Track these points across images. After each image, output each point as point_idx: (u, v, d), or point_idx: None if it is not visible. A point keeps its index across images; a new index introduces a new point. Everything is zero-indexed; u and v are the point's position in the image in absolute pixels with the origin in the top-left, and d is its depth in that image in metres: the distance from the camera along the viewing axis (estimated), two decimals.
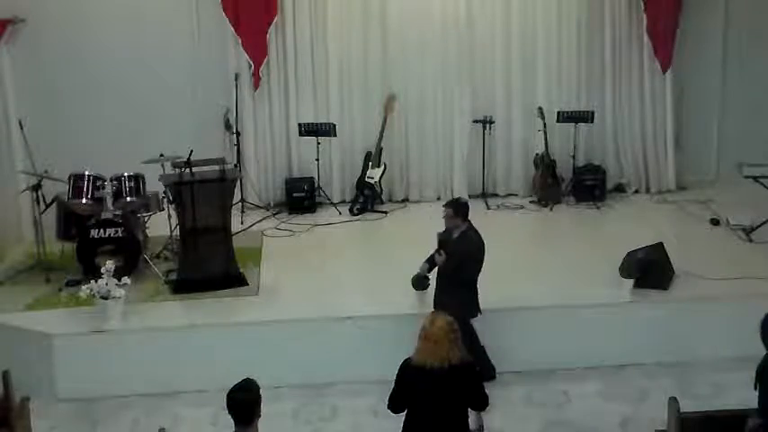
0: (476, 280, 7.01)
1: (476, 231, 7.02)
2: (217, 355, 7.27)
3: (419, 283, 7.56)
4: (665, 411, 5.20)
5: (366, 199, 10.38)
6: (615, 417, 6.81)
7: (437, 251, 7.05)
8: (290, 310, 7.61)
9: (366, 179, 10.37)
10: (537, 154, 10.53)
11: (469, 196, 10.71)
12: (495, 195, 10.78)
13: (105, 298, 7.37)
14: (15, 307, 7.82)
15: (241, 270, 8.22)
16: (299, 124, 10.34)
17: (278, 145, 10.59)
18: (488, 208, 10.42)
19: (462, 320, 6.75)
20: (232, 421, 6.87)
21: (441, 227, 9.80)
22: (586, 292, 7.77)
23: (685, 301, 7.65)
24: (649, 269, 7.74)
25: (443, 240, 7.05)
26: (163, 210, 8.84)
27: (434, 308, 6.95)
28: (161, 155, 8.62)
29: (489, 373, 7.13)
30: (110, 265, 7.47)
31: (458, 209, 7.01)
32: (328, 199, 10.52)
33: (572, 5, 10.42)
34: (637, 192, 10.86)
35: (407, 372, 5.07)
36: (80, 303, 7.53)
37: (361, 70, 10.43)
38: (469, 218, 7.03)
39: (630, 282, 7.64)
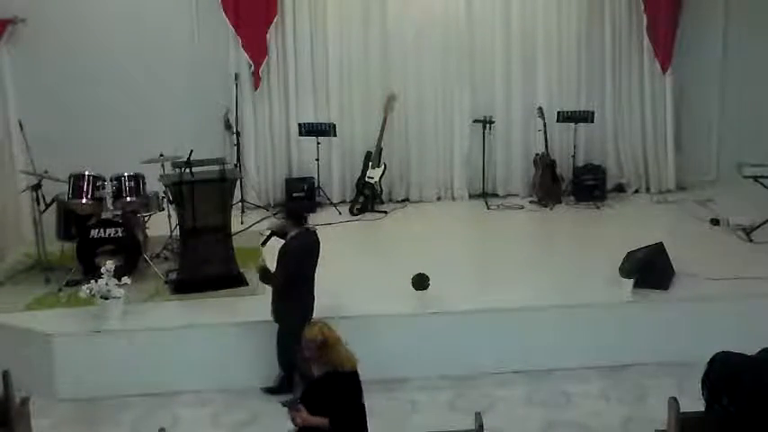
0: (298, 284, 6.85)
1: (304, 237, 6.86)
2: (217, 355, 7.27)
3: (419, 282, 7.56)
4: (666, 411, 5.19)
5: (366, 199, 10.39)
6: (615, 417, 6.81)
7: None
8: None
9: (366, 179, 10.37)
10: (537, 154, 10.54)
11: (470, 196, 10.77)
12: (495, 195, 10.79)
13: (105, 298, 7.36)
14: (15, 307, 7.82)
15: (241, 270, 8.22)
16: (299, 124, 10.35)
17: (278, 145, 10.59)
18: (488, 208, 10.42)
19: (292, 330, 6.58)
20: (232, 421, 6.92)
21: (440, 227, 9.89)
22: (586, 292, 7.76)
23: (685, 301, 7.65)
24: (649, 269, 7.73)
25: (274, 232, 7.10)
26: (163, 210, 8.84)
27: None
28: (161, 155, 8.63)
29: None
30: (110, 264, 7.46)
31: (288, 213, 6.96)
32: (328, 199, 10.52)
33: (572, 6, 10.44)
34: (637, 192, 10.87)
35: (352, 381, 5.08)
36: (80, 303, 7.52)
37: (361, 70, 10.44)
38: (307, 224, 7.00)
39: (630, 282, 7.64)
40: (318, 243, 7.01)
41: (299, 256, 6.82)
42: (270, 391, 7.11)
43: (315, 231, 7.07)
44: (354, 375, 5.10)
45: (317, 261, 7.00)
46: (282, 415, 6.91)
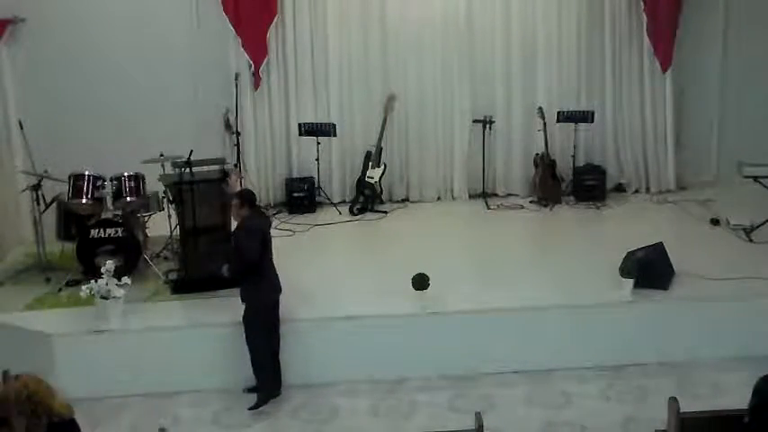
0: (258, 263, 6.88)
1: (258, 216, 7.07)
2: (217, 355, 7.27)
3: (419, 282, 7.57)
4: (666, 411, 5.20)
5: (366, 199, 10.39)
6: (615, 417, 6.81)
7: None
8: (290, 310, 7.59)
9: (366, 179, 10.37)
10: (537, 154, 10.54)
11: (470, 196, 10.76)
12: (495, 195, 10.79)
13: (105, 298, 7.36)
14: (15, 307, 7.83)
15: None
16: (299, 124, 10.35)
17: (278, 145, 10.59)
18: (488, 208, 10.42)
19: (255, 310, 6.90)
20: (232, 421, 6.93)
21: (440, 227, 9.89)
22: (586, 292, 7.76)
23: (685, 300, 7.65)
24: (649, 269, 7.74)
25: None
26: (163, 210, 8.84)
27: None
28: (161, 155, 8.63)
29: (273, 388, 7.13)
30: (110, 264, 7.46)
31: (240, 196, 7.05)
32: (328, 199, 10.52)
33: (572, 5, 10.43)
34: (637, 192, 10.86)
35: (76, 429, 4.66)
36: (80, 303, 7.52)
37: (361, 70, 10.44)
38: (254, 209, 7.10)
39: (630, 282, 7.64)
40: (270, 222, 7.28)
41: (256, 229, 6.89)
42: (253, 390, 7.13)
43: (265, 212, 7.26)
44: (75, 423, 4.68)
45: (271, 239, 7.09)
46: (284, 415, 6.97)
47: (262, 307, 6.96)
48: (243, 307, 7.00)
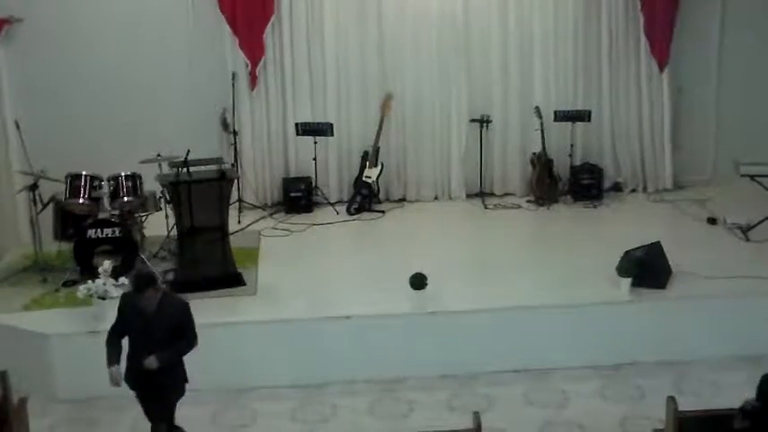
0: None
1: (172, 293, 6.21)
2: (215, 354, 7.25)
3: (417, 282, 7.57)
4: (663, 410, 5.21)
5: (363, 198, 10.38)
6: (613, 416, 6.83)
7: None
8: (288, 310, 7.61)
9: (363, 179, 10.36)
10: (534, 153, 10.54)
11: (467, 195, 10.75)
12: (493, 195, 10.78)
13: (103, 298, 7.35)
14: (13, 307, 7.81)
15: (238, 270, 8.21)
16: (297, 124, 10.34)
17: (275, 144, 10.58)
18: (485, 207, 10.42)
19: (180, 394, 6.02)
20: (231, 421, 6.91)
21: (437, 226, 9.89)
22: (584, 292, 7.77)
23: (683, 299, 7.67)
24: (647, 268, 7.75)
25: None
26: (160, 209, 8.84)
27: (148, 395, 5.95)
28: (158, 154, 8.63)
29: None
30: (107, 264, 7.46)
31: (154, 283, 5.75)
32: (326, 198, 10.51)
33: (569, 5, 10.42)
34: (634, 191, 10.87)
35: None
36: (77, 303, 7.52)
37: (358, 69, 10.42)
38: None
39: (628, 281, 7.65)
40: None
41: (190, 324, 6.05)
42: None
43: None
44: None
45: None
46: (283, 415, 6.97)
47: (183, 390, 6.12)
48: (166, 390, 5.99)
